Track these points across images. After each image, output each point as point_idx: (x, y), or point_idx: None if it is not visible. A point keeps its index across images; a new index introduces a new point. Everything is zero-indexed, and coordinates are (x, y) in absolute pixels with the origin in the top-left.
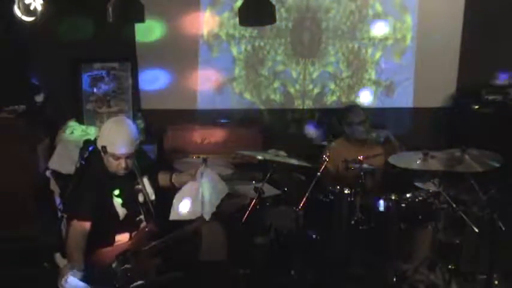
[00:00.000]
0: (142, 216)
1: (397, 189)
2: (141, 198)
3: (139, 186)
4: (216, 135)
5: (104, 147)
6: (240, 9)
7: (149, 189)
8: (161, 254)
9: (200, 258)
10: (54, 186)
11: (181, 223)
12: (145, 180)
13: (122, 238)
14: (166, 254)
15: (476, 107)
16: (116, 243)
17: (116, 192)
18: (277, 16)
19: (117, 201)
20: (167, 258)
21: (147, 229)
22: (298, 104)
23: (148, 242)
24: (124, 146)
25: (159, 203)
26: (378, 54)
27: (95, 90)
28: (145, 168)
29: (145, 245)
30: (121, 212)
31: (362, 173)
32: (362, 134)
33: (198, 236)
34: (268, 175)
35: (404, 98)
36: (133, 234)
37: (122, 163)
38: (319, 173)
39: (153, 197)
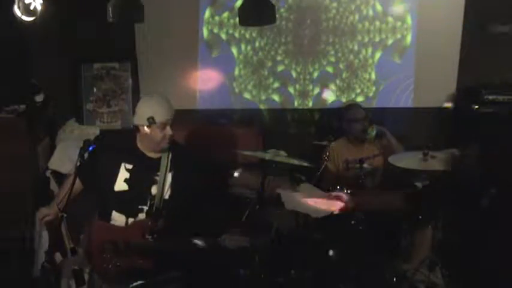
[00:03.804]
0: (145, 208)
1: (397, 189)
2: (154, 190)
3: (157, 178)
4: (216, 135)
5: (151, 118)
6: (240, 9)
7: (167, 186)
8: (157, 256)
9: None
10: (54, 186)
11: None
12: (169, 176)
13: (118, 218)
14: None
15: (476, 107)
16: (111, 221)
17: (129, 166)
18: (277, 16)
19: (123, 174)
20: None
21: (143, 223)
22: (298, 104)
23: (142, 236)
24: (169, 111)
25: (173, 206)
26: (377, 54)
27: (95, 90)
28: (175, 165)
29: (137, 237)
30: (119, 185)
31: (362, 173)
32: (361, 133)
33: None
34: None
35: (404, 98)
36: (129, 220)
37: (169, 130)
38: (319, 173)
39: (167, 196)
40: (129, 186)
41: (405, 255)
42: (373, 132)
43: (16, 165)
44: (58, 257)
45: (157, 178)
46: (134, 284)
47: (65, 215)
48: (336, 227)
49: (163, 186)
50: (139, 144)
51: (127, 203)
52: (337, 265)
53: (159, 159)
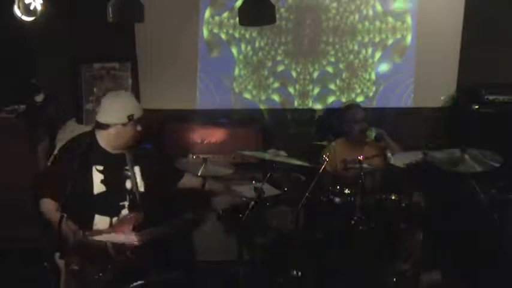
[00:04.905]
0: (126, 203)
1: (397, 189)
2: (128, 185)
3: (128, 173)
4: (216, 135)
5: (131, 116)
6: (240, 9)
7: (139, 180)
8: (151, 250)
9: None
10: None
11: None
12: (136, 170)
13: (101, 221)
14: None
15: (476, 107)
16: (94, 226)
17: (99, 167)
18: (277, 16)
19: (97, 176)
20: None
21: (129, 217)
22: (298, 104)
23: (131, 232)
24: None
25: (150, 198)
26: (377, 54)
27: (95, 90)
28: (138, 158)
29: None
30: (97, 187)
31: (362, 173)
32: (360, 134)
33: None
34: (268, 175)
35: (404, 98)
36: (113, 220)
37: (139, 126)
38: (319, 173)
39: (142, 189)
40: (106, 187)
41: (405, 255)
42: (372, 134)
43: (16, 165)
44: (58, 257)
45: (128, 173)
46: (134, 284)
47: (65, 215)
48: (335, 227)
49: (135, 179)
50: (102, 143)
51: (108, 203)
52: (337, 265)
53: (123, 154)
